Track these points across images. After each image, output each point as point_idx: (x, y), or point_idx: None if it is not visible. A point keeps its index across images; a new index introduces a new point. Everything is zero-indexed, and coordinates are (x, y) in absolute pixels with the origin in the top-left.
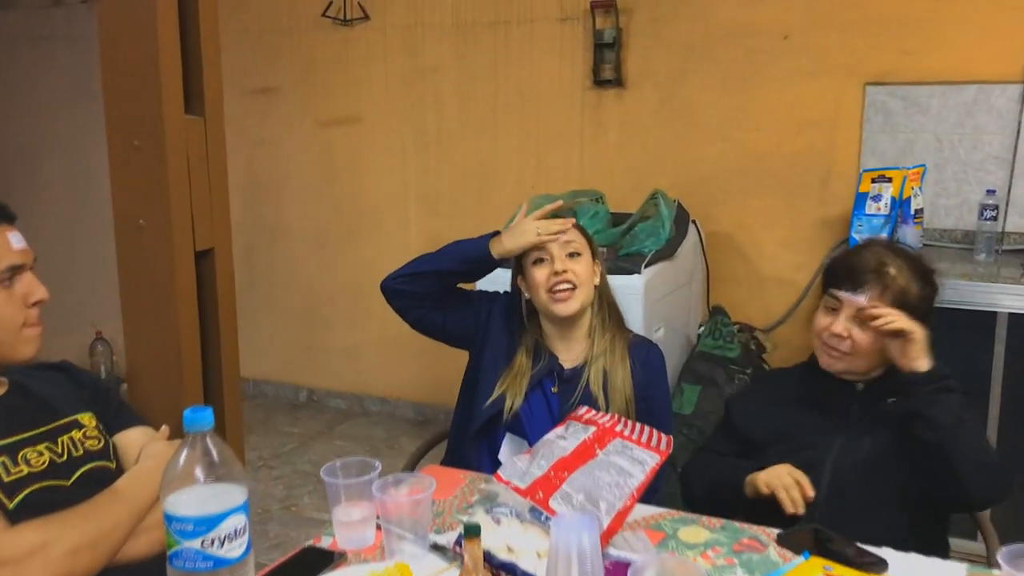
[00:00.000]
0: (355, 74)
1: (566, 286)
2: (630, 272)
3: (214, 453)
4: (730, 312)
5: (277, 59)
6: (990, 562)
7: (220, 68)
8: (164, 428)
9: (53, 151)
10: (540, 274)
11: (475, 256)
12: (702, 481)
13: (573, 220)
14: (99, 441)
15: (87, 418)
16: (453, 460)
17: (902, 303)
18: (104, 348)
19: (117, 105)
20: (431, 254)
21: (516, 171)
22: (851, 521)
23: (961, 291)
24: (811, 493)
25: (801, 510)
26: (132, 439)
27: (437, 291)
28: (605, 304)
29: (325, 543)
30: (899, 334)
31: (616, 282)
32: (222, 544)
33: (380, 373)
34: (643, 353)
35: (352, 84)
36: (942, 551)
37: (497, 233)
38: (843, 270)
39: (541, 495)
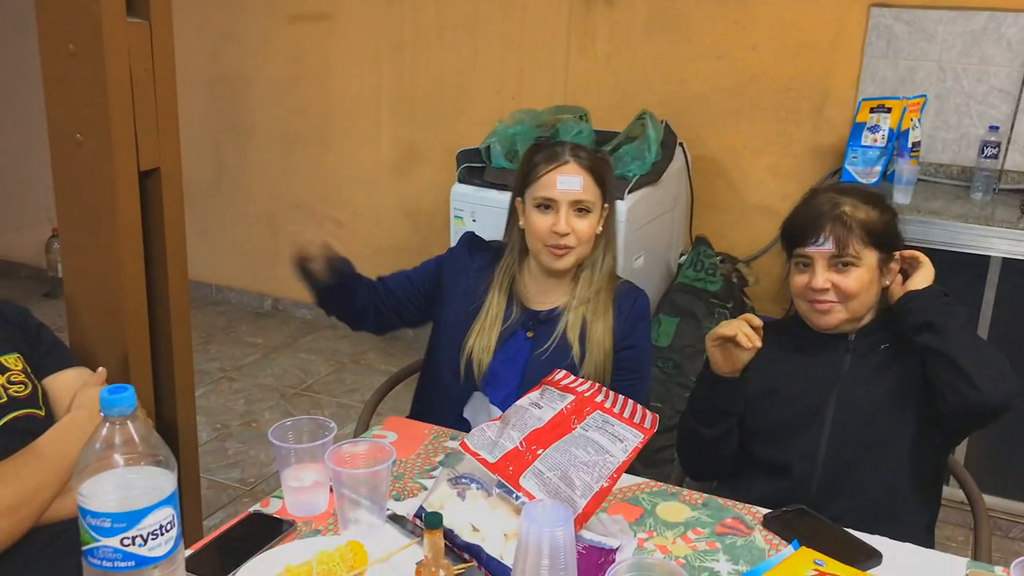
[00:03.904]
0: None
1: (563, 248)
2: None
3: (136, 437)
4: (712, 240)
5: None
6: (977, 520)
7: None
8: (101, 371)
9: None
10: (541, 223)
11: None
12: (687, 436)
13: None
14: (26, 386)
15: (12, 360)
16: (420, 413)
17: (870, 233)
18: None
19: (48, 4)
20: None
21: (496, 81)
22: (851, 473)
23: (954, 233)
24: (758, 322)
25: (758, 343)
26: (65, 383)
27: (360, 302)
28: (602, 251)
29: (274, 507)
30: (913, 263)
31: None
32: (145, 542)
33: None
34: (629, 302)
35: None
36: (936, 500)
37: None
38: (801, 225)
39: (512, 470)
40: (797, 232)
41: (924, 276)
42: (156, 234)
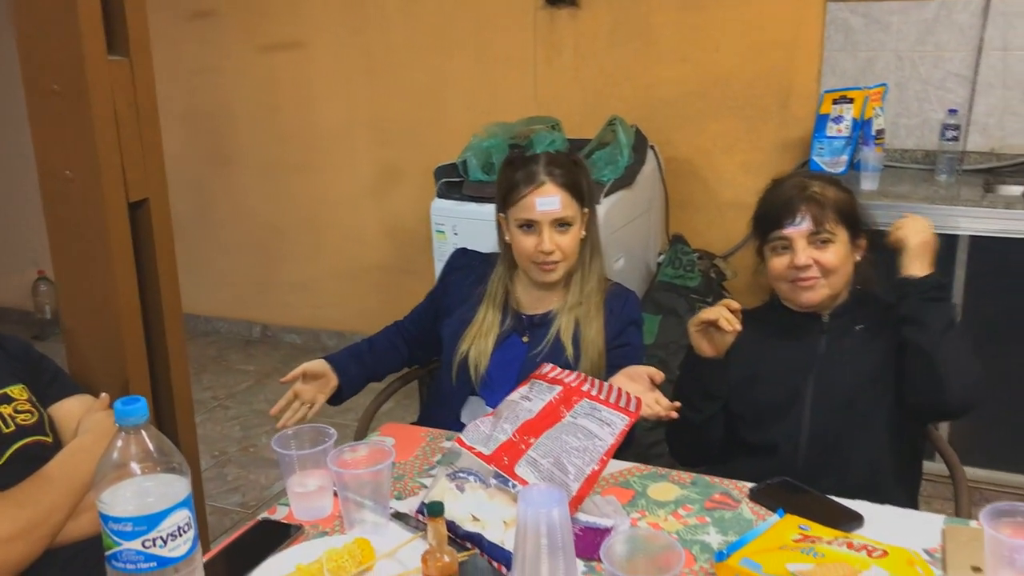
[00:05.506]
0: None
1: (551, 264)
2: None
3: (151, 446)
4: (689, 239)
5: None
6: (956, 489)
7: (145, 3)
8: (104, 396)
9: None
10: (526, 244)
11: None
12: (675, 424)
13: None
14: (32, 414)
15: (17, 390)
16: (424, 419)
17: (840, 211)
18: (48, 288)
19: (31, 46)
20: None
21: (468, 97)
22: (834, 451)
23: (921, 214)
24: (736, 306)
25: (738, 326)
26: (69, 410)
27: (387, 363)
28: (588, 254)
29: (280, 514)
30: (897, 243)
31: None
32: (165, 543)
33: (336, 307)
34: (620, 303)
35: (292, 5)
36: (917, 473)
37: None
38: (776, 209)
39: (507, 461)
40: (772, 217)
41: (919, 258)
42: (148, 263)
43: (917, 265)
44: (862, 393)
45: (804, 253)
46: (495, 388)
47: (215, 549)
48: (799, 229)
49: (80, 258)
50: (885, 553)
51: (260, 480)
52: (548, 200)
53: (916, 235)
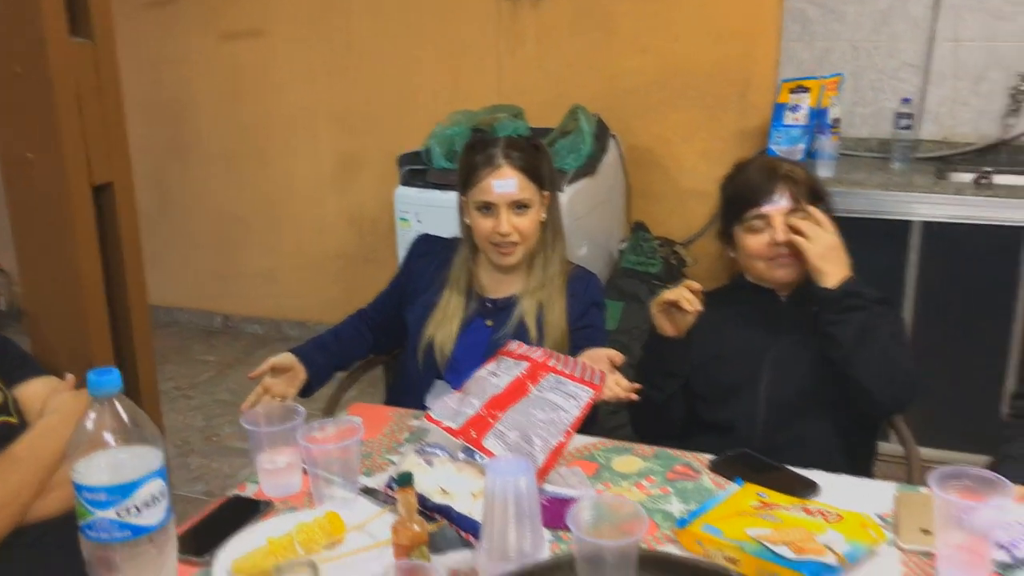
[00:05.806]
0: None
1: (508, 246)
2: None
3: (124, 416)
4: (650, 226)
5: None
6: (909, 464)
7: None
8: (69, 377)
9: None
10: (484, 224)
11: None
12: (638, 404)
13: None
14: None
15: None
16: (390, 403)
17: (811, 189)
18: (3, 279)
19: None
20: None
21: (432, 86)
22: (789, 429)
23: (876, 201)
24: (697, 286)
25: (699, 306)
26: (35, 391)
27: (355, 350)
28: (549, 237)
29: (250, 491)
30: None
31: None
32: (139, 512)
33: (297, 297)
34: (582, 286)
35: None
36: (871, 453)
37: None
38: (751, 189)
39: (475, 435)
40: (748, 196)
41: (824, 268)
42: (113, 247)
43: (825, 275)
44: (817, 375)
45: (783, 231)
46: (461, 372)
47: (187, 524)
48: (778, 207)
49: (43, 242)
50: (840, 517)
51: (224, 469)
52: (505, 183)
53: (810, 249)
